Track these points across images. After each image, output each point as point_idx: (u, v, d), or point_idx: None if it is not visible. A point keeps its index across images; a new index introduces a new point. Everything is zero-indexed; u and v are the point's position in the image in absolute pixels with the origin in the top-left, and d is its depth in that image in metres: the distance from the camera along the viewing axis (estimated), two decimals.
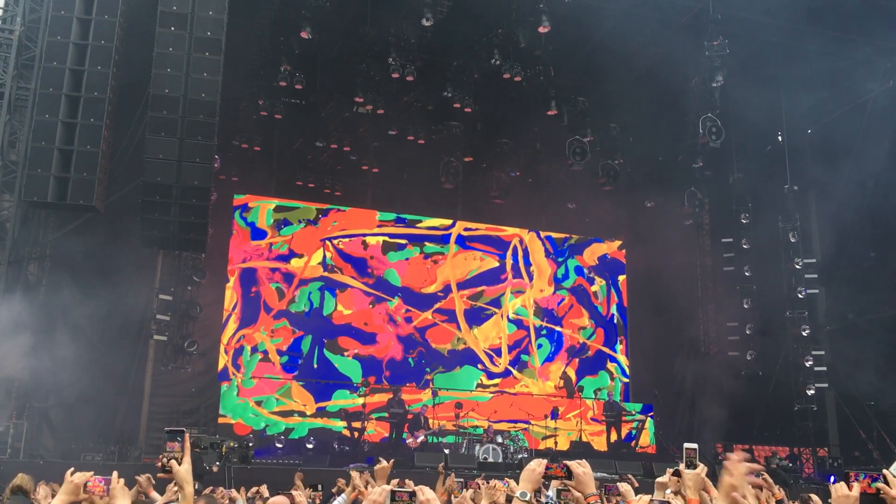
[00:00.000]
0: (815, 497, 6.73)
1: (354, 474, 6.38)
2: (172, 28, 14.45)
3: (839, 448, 20.94)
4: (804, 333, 20.84)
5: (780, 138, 21.84)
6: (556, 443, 19.64)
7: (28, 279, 15.90)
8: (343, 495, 6.18)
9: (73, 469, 3.73)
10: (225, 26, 14.66)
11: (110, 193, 15.61)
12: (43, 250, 16.88)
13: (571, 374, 22.76)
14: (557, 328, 23.06)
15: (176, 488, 3.37)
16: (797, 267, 21.15)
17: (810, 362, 20.68)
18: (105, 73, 14.31)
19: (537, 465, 3.40)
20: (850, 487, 3.01)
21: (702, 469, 3.88)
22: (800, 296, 21.11)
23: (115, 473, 3.75)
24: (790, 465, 18.79)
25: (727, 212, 22.54)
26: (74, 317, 17.24)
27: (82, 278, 17.14)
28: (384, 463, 5.48)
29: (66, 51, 14.22)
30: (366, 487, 5.93)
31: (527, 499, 3.32)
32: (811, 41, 18.24)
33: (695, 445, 3.85)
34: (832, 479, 16.78)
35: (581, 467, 3.51)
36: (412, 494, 3.26)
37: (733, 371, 21.77)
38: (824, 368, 20.87)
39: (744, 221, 22.04)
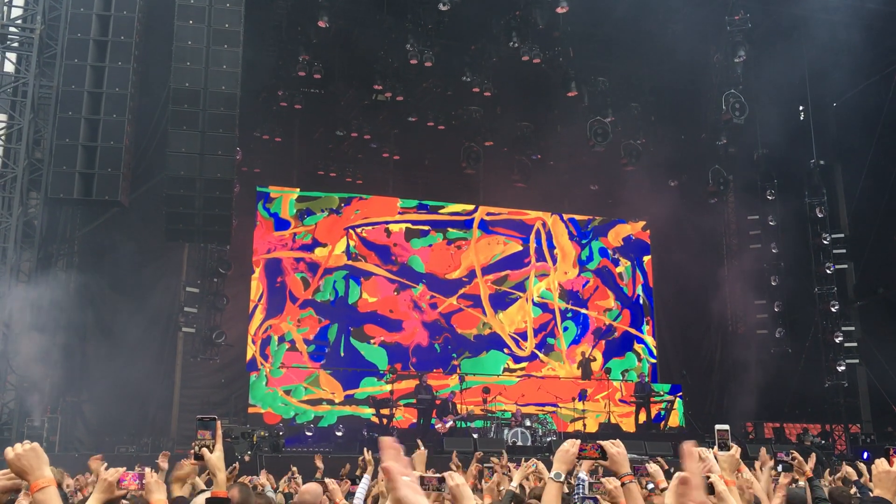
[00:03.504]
0: (849, 469, 6.68)
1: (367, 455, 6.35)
2: (191, 21, 14.51)
3: (871, 424, 20.74)
4: (833, 309, 20.61)
5: (801, 115, 21.51)
6: (584, 425, 19.63)
7: (57, 275, 16.09)
8: (366, 476, 6.19)
9: (105, 465, 3.73)
10: (243, 18, 14.69)
11: (135, 188, 15.75)
12: (71, 246, 17.09)
13: (598, 356, 22.69)
14: (583, 310, 22.99)
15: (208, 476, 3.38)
16: (825, 242, 20.92)
17: (840, 338, 20.47)
18: (126, 69, 14.40)
19: (571, 446, 3.39)
20: (891, 463, 2.98)
21: (735, 450, 3.85)
22: (828, 271, 20.88)
23: (148, 469, 3.76)
24: (822, 442, 18.64)
25: (752, 189, 22.30)
26: (104, 311, 17.48)
27: (110, 273, 17.34)
28: (422, 449, 5.48)
29: (87, 47, 14.32)
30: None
31: (561, 479, 3.31)
32: (834, 13, 17.93)
33: (727, 427, 3.81)
34: (865, 455, 16.65)
35: (615, 447, 3.49)
36: (441, 479, 3.27)
37: (762, 349, 21.59)
38: (854, 344, 20.67)
39: (769, 198, 21.81)
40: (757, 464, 7.12)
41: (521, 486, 5.66)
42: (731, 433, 4.13)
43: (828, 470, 8.75)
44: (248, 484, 8.13)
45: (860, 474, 6.41)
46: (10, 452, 2.80)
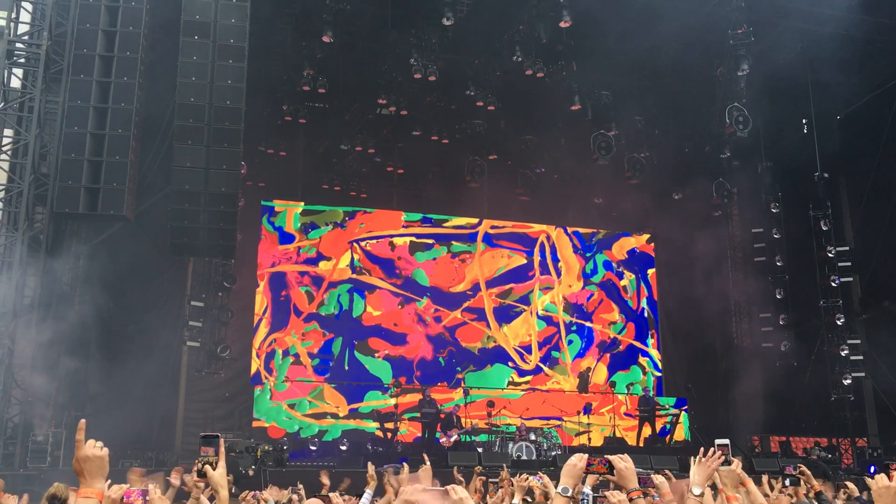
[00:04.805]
0: (850, 485, 6.63)
1: (372, 470, 6.33)
2: (196, 37, 14.59)
3: (878, 438, 20.62)
4: (839, 322, 20.54)
5: (805, 127, 21.49)
6: (589, 439, 19.53)
7: (62, 289, 16.13)
8: (368, 491, 6.18)
9: (109, 482, 3.72)
10: (247, 33, 14.77)
11: (140, 203, 15.79)
12: (76, 261, 17.11)
13: (602, 369, 22.62)
14: (587, 324, 22.95)
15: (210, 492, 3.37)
16: (830, 255, 20.87)
17: (846, 351, 20.39)
18: (131, 84, 14.46)
19: (578, 460, 3.37)
20: (890, 478, 2.97)
21: (736, 464, 3.83)
22: (833, 284, 20.81)
23: (152, 485, 3.76)
24: (829, 456, 18.54)
25: (757, 201, 22.30)
26: (108, 325, 17.47)
27: (115, 287, 17.35)
28: (427, 465, 5.45)
29: (93, 63, 14.40)
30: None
31: (568, 494, 3.30)
32: (837, 24, 17.97)
33: (727, 441, 3.78)
34: (872, 469, 16.54)
35: (623, 462, 3.47)
36: (444, 493, 3.27)
37: (767, 362, 21.52)
38: (860, 357, 20.56)
39: (774, 211, 21.80)
40: (764, 477, 7.09)
41: (524, 500, 5.64)
42: (738, 447, 4.11)
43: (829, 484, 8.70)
44: (251, 499, 8.13)
45: (865, 489, 6.38)
46: (88, 448, 2.80)
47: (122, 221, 15.18)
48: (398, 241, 22.07)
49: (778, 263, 21.73)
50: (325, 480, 9.40)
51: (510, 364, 22.00)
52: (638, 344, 23.24)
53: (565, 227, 23.42)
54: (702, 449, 3.62)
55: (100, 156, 14.23)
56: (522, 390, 21.68)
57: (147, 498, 3.65)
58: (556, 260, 23.16)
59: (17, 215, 14.85)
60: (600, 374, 22.57)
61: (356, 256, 21.61)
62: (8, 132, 15.67)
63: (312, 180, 21.63)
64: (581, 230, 23.53)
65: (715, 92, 19.64)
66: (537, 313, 22.61)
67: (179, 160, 14.60)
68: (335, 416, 20.07)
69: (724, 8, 17.76)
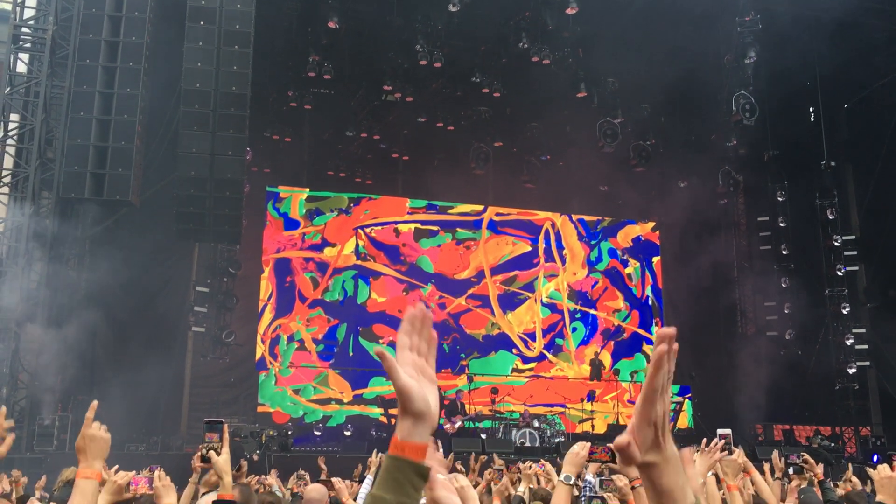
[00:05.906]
0: (854, 479, 6.65)
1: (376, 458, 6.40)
2: (202, 22, 14.57)
3: (882, 427, 20.64)
4: (844, 311, 20.51)
5: (812, 116, 21.39)
6: (592, 426, 19.60)
7: (68, 274, 16.18)
8: (369, 476, 6.23)
9: (116, 467, 3.76)
10: (253, 19, 14.74)
11: (146, 188, 15.82)
12: (82, 246, 17.16)
13: (606, 357, 22.66)
14: (592, 311, 22.96)
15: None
16: (836, 244, 20.81)
17: (851, 340, 20.38)
18: (137, 70, 14.47)
19: (581, 449, 3.39)
20: (893, 468, 2.98)
21: (738, 454, 3.84)
22: (839, 273, 20.77)
23: (157, 472, 3.79)
24: (832, 444, 18.56)
25: (763, 190, 22.23)
26: (114, 310, 17.53)
27: (121, 272, 17.39)
28: (440, 454, 5.48)
29: (98, 48, 14.41)
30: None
31: (571, 482, 3.32)
32: (845, 12, 17.84)
33: (728, 430, 3.78)
34: (875, 458, 16.57)
35: None
36: None
37: (772, 351, 21.51)
38: (865, 346, 20.55)
39: (780, 199, 21.73)
40: (766, 465, 7.11)
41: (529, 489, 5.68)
42: (741, 435, 4.13)
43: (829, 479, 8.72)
44: (255, 483, 8.18)
45: (865, 481, 6.40)
46: (95, 428, 2.84)
47: (128, 207, 15.22)
48: (403, 227, 22.07)
49: (783, 252, 21.67)
50: (323, 466, 9.56)
51: (514, 351, 22.04)
52: (642, 332, 23.25)
53: (570, 215, 23.39)
54: (704, 440, 3.64)
55: (105, 141, 14.26)
56: (526, 377, 21.74)
57: (153, 485, 3.68)
58: (560, 247, 23.15)
59: (23, 200, 14.90)
60: (604, 362, 22.57)
61: (361, 243, 21.63)
62: (14, 117, 15.71)
63: (318, 166, 21.63)
64: (586, 218, 23.50)
65: (722, 80, 19.54)
66: (542, 301, 22.63)
67: (185, 146, 14.62)
68: (339, 401, 20.15)
69: None
